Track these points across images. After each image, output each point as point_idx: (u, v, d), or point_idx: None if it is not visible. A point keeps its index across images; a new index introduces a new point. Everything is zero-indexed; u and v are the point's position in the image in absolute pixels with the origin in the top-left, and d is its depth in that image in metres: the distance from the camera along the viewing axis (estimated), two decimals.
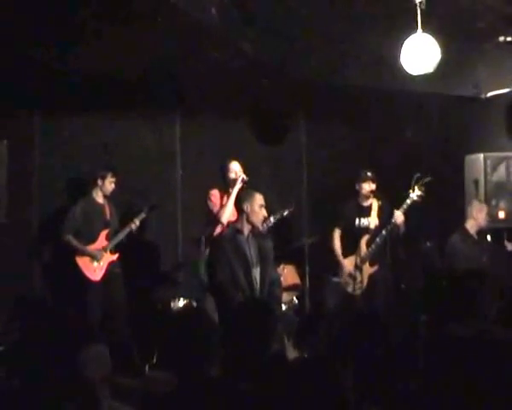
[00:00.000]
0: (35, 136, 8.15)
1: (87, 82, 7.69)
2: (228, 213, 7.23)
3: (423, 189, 7.60)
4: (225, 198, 7.34)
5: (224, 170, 7.43)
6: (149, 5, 6.12)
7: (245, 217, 6.15)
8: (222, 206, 7.31)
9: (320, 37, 7.07)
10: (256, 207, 6.13)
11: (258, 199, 6.16)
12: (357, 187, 8.01)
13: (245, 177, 7.34)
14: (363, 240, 7.81)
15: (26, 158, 8.11)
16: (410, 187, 7.62)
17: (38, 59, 6.99)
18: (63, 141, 8.20)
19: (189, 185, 8.71)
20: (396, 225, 7.64)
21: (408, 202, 7.66)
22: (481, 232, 8.02)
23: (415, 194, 7.62)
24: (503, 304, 7.45)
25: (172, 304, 7.77)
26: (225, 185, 7.40)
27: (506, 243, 7.97)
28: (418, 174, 7.61)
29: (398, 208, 7.70)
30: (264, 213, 6.18)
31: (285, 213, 7.85)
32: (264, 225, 7.35)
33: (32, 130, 8.14)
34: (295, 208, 8.17)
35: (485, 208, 7.98)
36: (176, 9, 6.08)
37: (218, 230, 7.15)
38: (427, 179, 7.60)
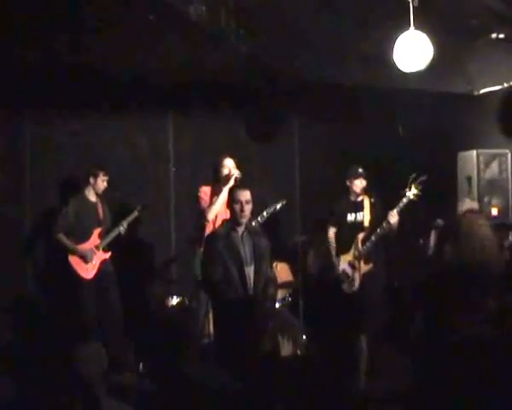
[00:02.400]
0: (26, 135, 8.13)
1: (79, 82, 7.68)
2: (214, 212, 7.23)
3: (420, 188, 7.60)
4: (216, 195, 7.34)
5: (218, 166, 7.41)
6: (143, 6, 6.11)
7: (234, 214, 6.14)
8: (210, 204, 7.31)
9: (313, 35, 7.07)
10: (242, 204, 6.09)
11: (244, 195, 6.12)
12: (348, 183, 8.01)
13: (238, 174, 7.33)
14: (359, 237, 7.82)
15: (18, 157, 8.09)
16: (406, 186, 7.61)
17: (30, 59, 6.98)
18: (55, 141, 8.18)
19: (182, 184, 8.71)
20: (390, 224, 7.64)
21: (404, 200, 7.64)
22: None
23: (411, 193, 7.62)
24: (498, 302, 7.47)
25: (166, 302, 7.77)
26: (217, 181, 7.39)
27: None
28: (414, 174, 7.61)
29: (393, 207, 7.70)
30: (249, 208, 6.14)
31: (278, 206, 7.82)
32: (259, 218, 7.36)
33: (24, 129, 8.11)
34: (288, 205, 8.16)
35: (474, 205, 7.97)
36: (168, 8, 6.08)
37: (209, 228, 7.17)
38: (424, 178, 7.60)
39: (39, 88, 7.61)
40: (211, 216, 7.23)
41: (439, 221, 7.65)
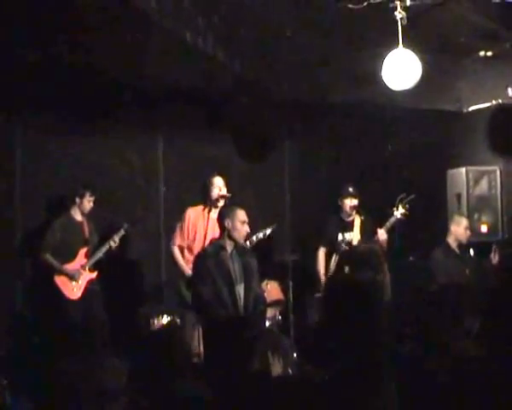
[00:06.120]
0: (16, 153, 8.08)
1: (70, 97, 7.66)
2: (178, 238, 7.48)
3: (407, 207, 7.65)
4: (205, 213, 7.33)
5: (208, 185, 7.41)
6: (136, 24, 6.11)
7: (227, 233, 6.13)
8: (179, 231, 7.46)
9: (303, 55, 7.09)
10: (237, 224, 6.11)
11: (240, 215, 6.14)
12: (339, 203, 8.04)
13: (227, 194, 7.33)
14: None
15: (7, 175, 8.04)
16: (394, 205, 7.66)
17: (20, 68, 6.95)
18: (45, 154, 8.14)
19: (172, 203, 8.68)
20: (379, 243, 7.66)
21: (392, 220, 7.71)
22: (463, 246, 8.04)
23: (398, 212, 7.67)
24: (484, 319, 7.47)
25: (156, 321, 7.72)
26: (207, 201, 7.38)
27: (492, 255, 7.96)
28: (403, 194, 7.66)
29: (381, 226, 7.73)
30: (246, 228, 6.16)
31: (268, 231, 7.82)
32: (247, 243, 7.35)
33: (14, 147, 8.07)
34: (278, 224, 8.15)
35: (463, 222, 7.99)
36: (159, 28, 6.08)
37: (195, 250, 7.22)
38: (411, 198, 7.64)
39: (31, 103, 7.60)
40: (176, 241, 7.52)
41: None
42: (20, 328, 7.69)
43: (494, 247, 7.95)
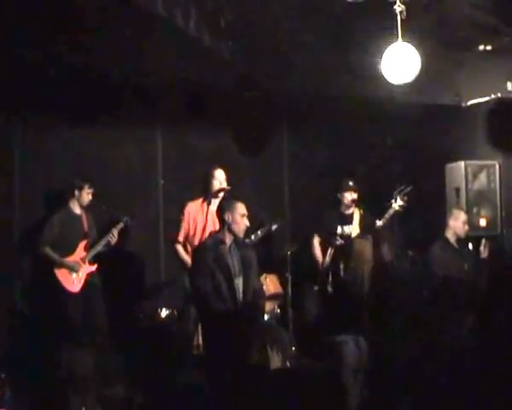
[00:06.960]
0: (15, 152, 8.08)
1: (69, 93, 7.66)
2: (182, 235, 7.49)
3: (405, 199, 7.65)
4: (204, 206, 7.33)
5: (209, 177, 7.41)
6: (135, 19, 6.11)
7: (226, 227, 6.13)
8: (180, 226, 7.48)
9: (302, 49, 7.10)
10: (237, 217, 6.11)
11: (240, 208, 6.14)
12: (339, 196, 8.05)
13: (227, 187, 7.33)
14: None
15: (7, 175, 8.03)
16: (392, 197, 7.67)
17: (19, 67, 6.96)
18: (44, 152, 8.14)
19: (171, 196, 8.68)
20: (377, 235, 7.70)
21: (390, 212, 7.71)
22: (462, 240, 8.05)
23: (396, 204, 7.68)
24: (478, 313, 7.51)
25: (155, 314, 7.74)
26: (207, 193, 7.38)
27: (481, 249, 8.02)
28: (400, 185, 7.67)
29: (380, 218, 7.74)
30: (245, 222, 6.16)
31: (273, 227, 7.83)
32: (252, 237, 7.36)
33: (13, 146, 8.06)
34: (277, 216, 8.17)
35: (461, 216, 8.01)
36: (159, 21, 6.09)
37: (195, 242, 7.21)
38: (409, 189, 7.65)
39: (30, 98, 7.60)
40: (180, 238, 7.49)
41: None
42: (19, 325, 7.71)
43: (484, 241, 8.00)
